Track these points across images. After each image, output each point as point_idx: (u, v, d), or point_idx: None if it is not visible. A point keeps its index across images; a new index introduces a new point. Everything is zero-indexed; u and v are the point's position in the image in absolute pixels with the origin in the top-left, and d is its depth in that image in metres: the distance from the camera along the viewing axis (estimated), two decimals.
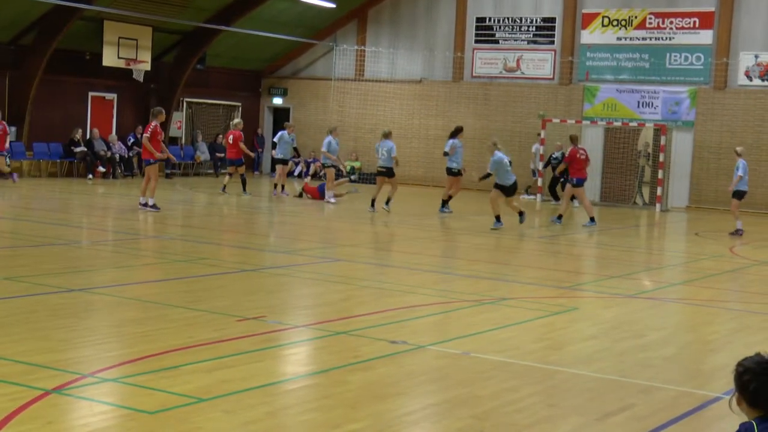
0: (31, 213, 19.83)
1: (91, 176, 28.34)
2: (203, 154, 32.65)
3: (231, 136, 25.52)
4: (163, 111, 21.27)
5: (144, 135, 20.54)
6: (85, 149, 28.75)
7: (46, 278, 11.41)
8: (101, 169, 28.74)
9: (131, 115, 31.28)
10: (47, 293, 10.52)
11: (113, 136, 30.00)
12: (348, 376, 7.62)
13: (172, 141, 32.25)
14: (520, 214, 20.04)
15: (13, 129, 27.70)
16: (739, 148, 21.09)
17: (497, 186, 19.78)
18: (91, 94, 30.33)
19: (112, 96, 30.96)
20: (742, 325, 10.91)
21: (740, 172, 20.33)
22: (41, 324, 8.94)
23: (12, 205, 21.25)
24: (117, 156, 29.49)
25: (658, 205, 27.05)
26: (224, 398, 6.80)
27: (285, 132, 26.02)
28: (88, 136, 29.37)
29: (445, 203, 22.80)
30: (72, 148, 28.72)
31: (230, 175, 25.82)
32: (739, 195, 20.65)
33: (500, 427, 6.56)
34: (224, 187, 25.36)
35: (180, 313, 9.79)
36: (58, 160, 28.79)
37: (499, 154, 19.60)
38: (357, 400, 6.98)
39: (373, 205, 22.35)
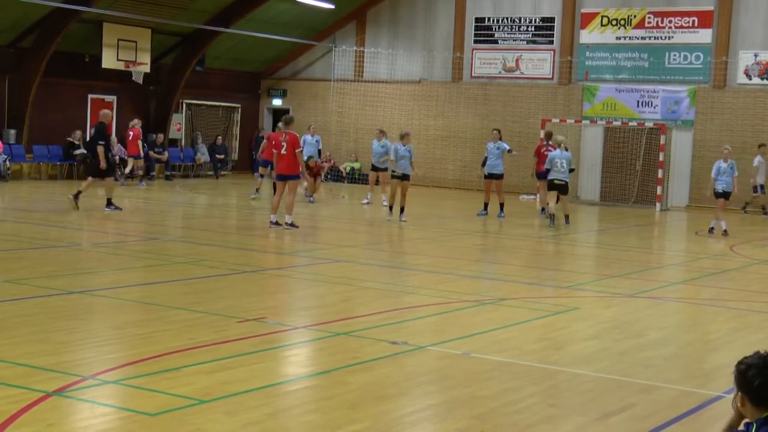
0: (32, 215, 19.83)
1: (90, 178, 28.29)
2: (203, 155, 32.64)
3: (131, 133, 27.44)
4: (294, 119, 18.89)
5: (297, 150, 17.92)
6: (85, 151, 28.72)
7: (46, 281, 11.41)
8: None
9: (131, 117, 31.25)
10: (47, 296, 10.52)
11: (113, 138, 29.97)
12: (348, 377, 7.62)
13: (172, 143, 32.29)
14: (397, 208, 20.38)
15: (13, 132, 27.72)
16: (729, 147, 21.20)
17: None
18: (90, 96, 30.32)
19: (111, 98, 30.95)
20: (742, 324, 10.91)
21: (736, 173, 20.68)
22: (42, 326, 8.94)
23: (12, 208, 21.25)
24: (117, 158, 29.46)
25: (657, 205, 27.04)
26: (225, 400, 6.80)
27: (308, 135, 26.25)
28: (87, 138, 29.34)
29: (500, 208, 22.46)
30: (71, 150, 28.71)
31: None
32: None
33: (501, 427, 6.57)
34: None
35: (180, 315, 9.79)
36: (58, 163, 28.78)
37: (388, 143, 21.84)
38: (357, 401, 6.98)
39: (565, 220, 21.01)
